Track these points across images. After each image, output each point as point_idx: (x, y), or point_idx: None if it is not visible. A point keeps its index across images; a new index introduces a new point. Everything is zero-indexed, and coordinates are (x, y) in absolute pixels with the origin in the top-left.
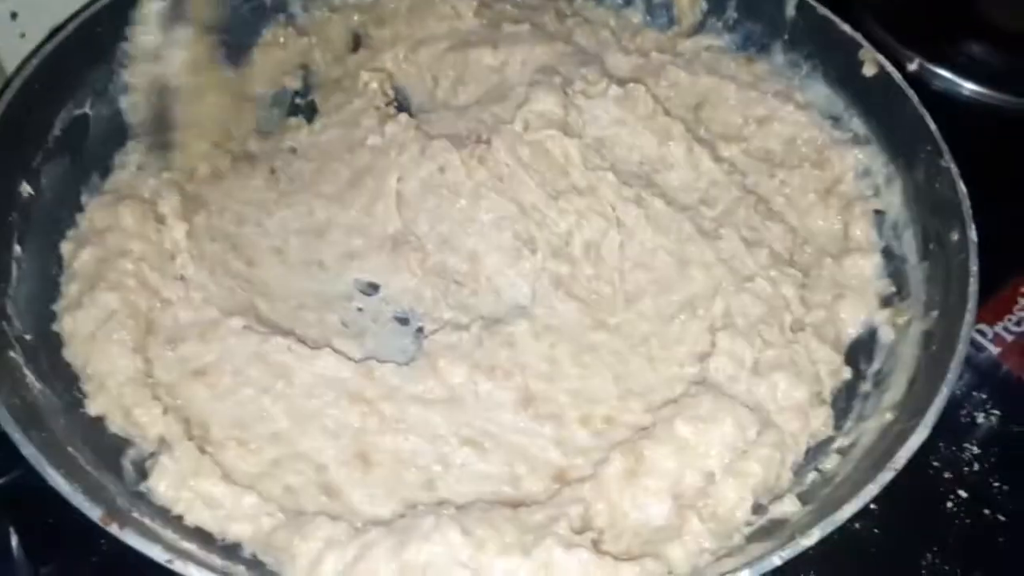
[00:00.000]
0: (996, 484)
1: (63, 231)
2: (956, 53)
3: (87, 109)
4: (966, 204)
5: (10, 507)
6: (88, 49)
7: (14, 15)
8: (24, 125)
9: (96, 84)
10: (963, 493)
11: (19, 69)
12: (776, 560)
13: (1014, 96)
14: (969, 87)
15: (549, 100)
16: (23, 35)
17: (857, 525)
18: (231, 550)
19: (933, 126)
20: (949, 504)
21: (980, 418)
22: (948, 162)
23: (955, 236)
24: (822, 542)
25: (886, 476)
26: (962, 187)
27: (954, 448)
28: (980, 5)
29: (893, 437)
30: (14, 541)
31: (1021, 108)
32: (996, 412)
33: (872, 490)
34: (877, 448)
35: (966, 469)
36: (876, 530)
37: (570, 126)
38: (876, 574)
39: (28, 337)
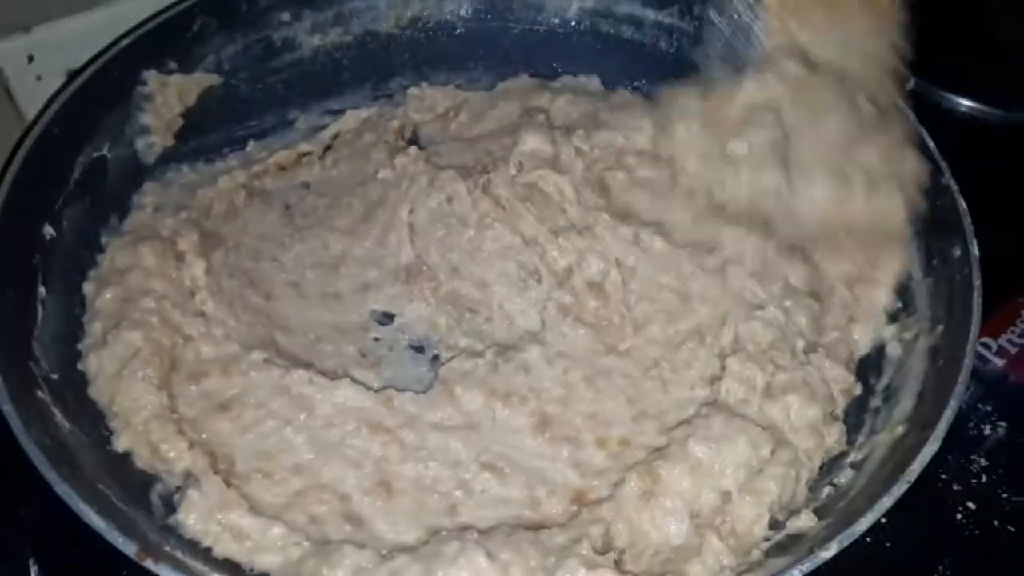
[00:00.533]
0: (1004, 495)
1: (84, 272)
2: (950, 69)
3: (105, 151)
4: (967, 220)
5: (30, 539)
6: (105, 93)
7: (31, 58)
8: (46, 168)
9: (113, 127)
10: (972, 505)
11: (40, 115)
12: (796, 574)
13: (1008, 111)
14: (965, 103)
15: (537, 139)
16: (39, 78)
17: (868, 539)
18: None
19: (932, 144)
20: (959, 516)
21: (987, 430)
22: (948, 180)
23: (957, 252)
24: (833, 557)
25: (900, 488)
26: (962, 204)
27: (962, 460)
28: (974, 21)
29: (905, 450)
30: (34, 572)
31: (1016, 123)
32: (1003, 424)
33: (887, 502)
34: (890, 461)
35: (974, 481)
36: (888, 544)
37: (562, 162)
38: None
39: (55, 376)
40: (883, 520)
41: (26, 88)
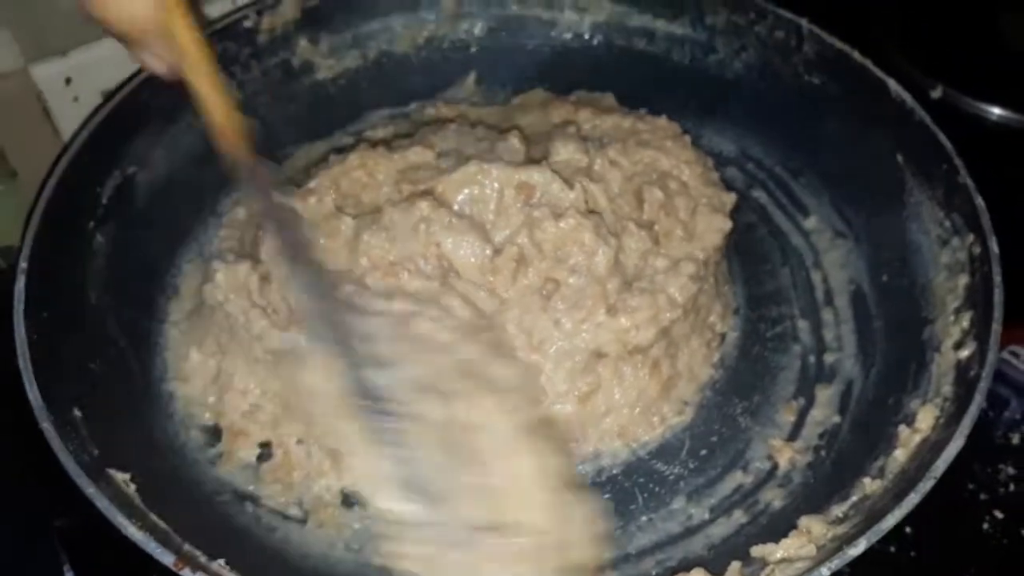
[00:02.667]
0: None
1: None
2: (979, 78)
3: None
4: (985, 218)
5: (66, 547)
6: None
7: (68, 80)
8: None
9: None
10: (999, 514)
11: (74, 136)
12: (824, 572)
13: None
14: (996, 112)
15: (570, 148)
16: (76, 99)
17: (892, 548)
18: None
19: (948, 144)
20: (986, 526)
21: (1015, 439)
22: (964, 178)
23: (977, 250)
24: (857, 566)
25: (927, 485)
26: (980, 201)
27: (989, 469)
28: (1000, 27)
29: (930, 448)
30: None
31: None
32: None
33: (914, 499)
34: (914, 461)
35: (1002, 490)
36: (912, 553)
37: (596, 172)
38: None
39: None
40: (908, 530)
41: (64, 110)
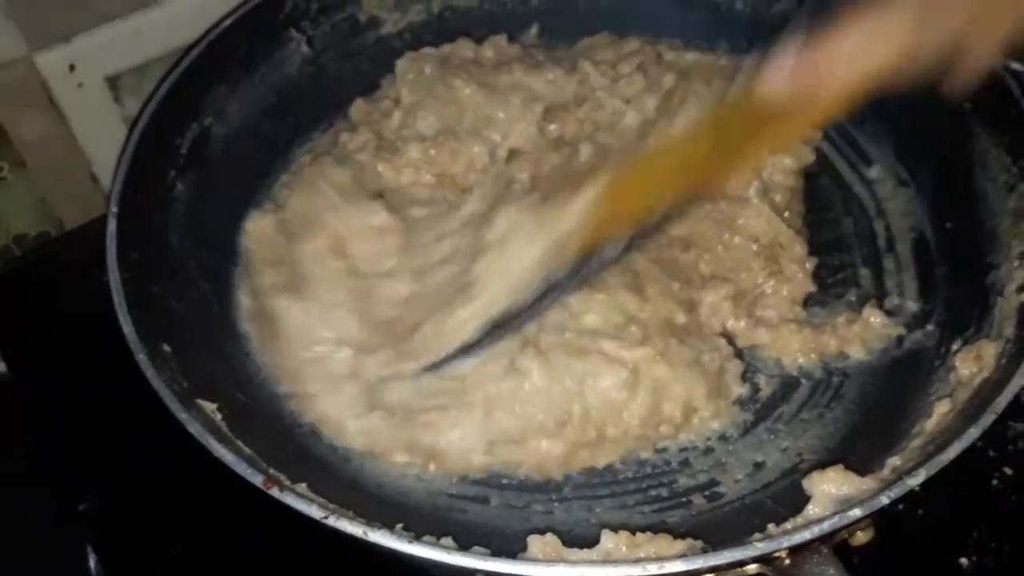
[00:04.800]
0: None
1: None
2: None
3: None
4: None
5: (88, 528)
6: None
7: (72, 67)
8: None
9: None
10: (1008, 471)
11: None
12: (884, 500)
13: None
14: None
15: None
16: (81, 85)
17: (901, 507)
18: None
19: (1017, 91)
20: (995, 483)
21: None
22: None
23: None
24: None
25: (988, 419)
26: None
27: (999, 426)
28: None
29: (990, 388)
30: (92, 560)
31: None
32: None
33: (974, 432)
34: (971, 404)
35: (1011, 447)
36: (920, 511)
37: None
38: (921, 554)
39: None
40: (916, 488)
41: (69, 97)
